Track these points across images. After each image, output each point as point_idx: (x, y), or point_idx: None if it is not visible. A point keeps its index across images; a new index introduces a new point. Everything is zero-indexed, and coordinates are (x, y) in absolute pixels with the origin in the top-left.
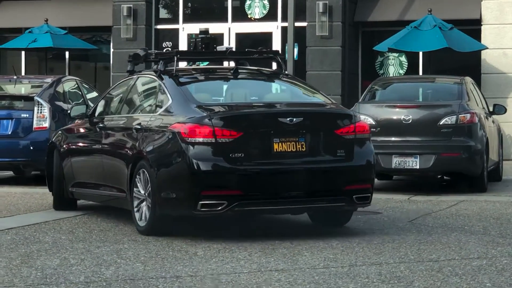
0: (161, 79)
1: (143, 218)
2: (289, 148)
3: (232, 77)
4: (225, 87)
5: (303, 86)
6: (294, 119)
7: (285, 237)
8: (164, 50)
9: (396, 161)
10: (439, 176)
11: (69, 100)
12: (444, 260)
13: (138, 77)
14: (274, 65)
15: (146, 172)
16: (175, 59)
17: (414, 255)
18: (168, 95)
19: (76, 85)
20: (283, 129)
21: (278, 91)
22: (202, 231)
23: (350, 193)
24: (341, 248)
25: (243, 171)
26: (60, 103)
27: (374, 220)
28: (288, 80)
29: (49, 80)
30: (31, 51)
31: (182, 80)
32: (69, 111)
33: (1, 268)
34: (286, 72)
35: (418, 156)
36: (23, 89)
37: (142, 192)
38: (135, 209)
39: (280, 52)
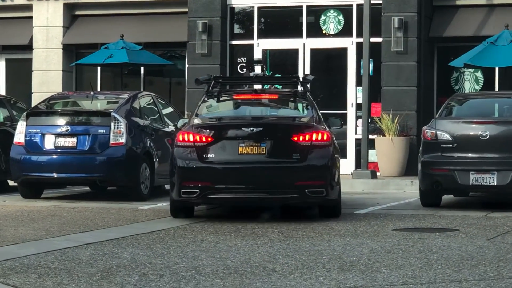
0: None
1: None
2: (252, 151)
3: (252, 96)
4: (236, 104)
5: (294, 102)
6: (255, 129)
7: (362, 254)
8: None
9: (473, 178)
10: None
11: (145, 116)
12: None
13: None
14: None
15: None
16: (212, 83)
17: (494, 273)
18: (195, 110)
19: (152, 101)
20: (248, 136)
21: (274, 108)
22: (279, 248)
23: (302, 188)
24: (419, 265)
25: (212, 167)
26: (137, 119)
27: (452, 237)
28: (295, 99)
29: (125, 95)
30: (107, 67)
31: (210, 99)
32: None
33: (81, 283)
34: (306, 92)
35: (496, 172)
36: (99, 104)
37: None
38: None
39: (303, 75)
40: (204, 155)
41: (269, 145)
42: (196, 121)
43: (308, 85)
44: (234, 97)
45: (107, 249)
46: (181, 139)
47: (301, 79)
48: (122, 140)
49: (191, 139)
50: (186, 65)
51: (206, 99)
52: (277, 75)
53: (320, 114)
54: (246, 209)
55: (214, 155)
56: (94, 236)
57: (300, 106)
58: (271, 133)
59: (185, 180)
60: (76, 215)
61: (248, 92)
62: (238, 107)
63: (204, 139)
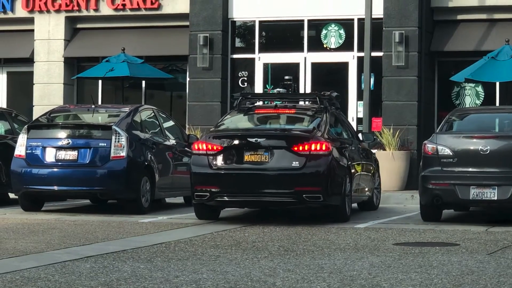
0: None
1: None
2: (256, 159)
3: (271, 111)
4: (256, 117)
5: (307, 116)
6: (259, 140)
7: (363, 269)
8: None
9: (473, 192)
10: None
11: (146, 129)
12: None
13: None
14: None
15: None
16: (240, 98)
17: (494, 287)
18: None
19: (153, 114)
20: (252, 146)
21: (287, 121)
22: (280, 262)
23: (300, 193)
24: (419, 279)
25: (220, 173)
26: (137, 132)
27: (452, 252)
28: (314, 113)
29: (126, 109)
30: (108, 80)
31: (235, 112)
32: None
33: None
34: (326, 107)
35: (496, 187)
36: (100, 118)
37: None
38: None
39: (328, 93)
40: (214, 162)
41: (272, 154)
42: (212, 132)
43: (334, 101)
44: (256, 111)
45: (108, 262)
46: (196, 148)
47: (325, 96)
48: (123, 153)
49: (204, 147)
50: (187, 79)
51: (235, 112)
52: (279, 90)
53: (329, 127)
54: (248, 221)
55: (222, 163)
56: (95, 249)
57: (312, 119)
58: (274, 144)
59: (197, 184)
60: (76, 228)
61: (269, 107)
62: (255, 120)
63: (215, 148)
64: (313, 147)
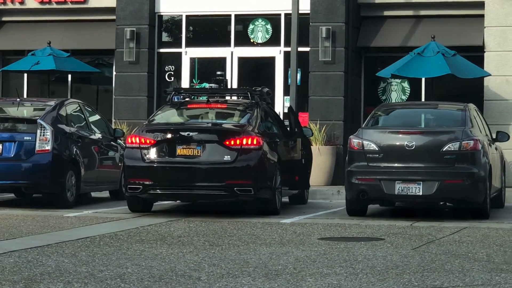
0: None
1: None
2: (188, 153)
3: (204, 105)
4: (188, 112)
5: (239, 111)
6: (191, 134)
7: (288, 263)
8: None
9: (399, 188)
10: (441, 203)
11: (72, 123)
12: (448, 287)
13: None
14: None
15: None
16: (172, 93)
17: (418, 282)
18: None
19: (79, 108)
20: (185, 139)
21: (219, 116)
22: (205, 256)
23: (231, 186)
24: (344, 274)
25: (153, 167)
26: (63, 126)
27: (377, 247)
28: (245, 108)
29: (52, 103)
30: (33, 74)
31: (168, 107)
32: None
33: None
34: (257, 102)
35: (421, 182)
36: (25, 111)
37: None
38: None
39: (259, 88)
40: (147, 156)
41: (204, 148)
42: (145, 126)
43: (265, 97)
44: (189, 106)
45: (32, 256)
46: (129, 141)
47: (256, 91)
48: (48, 147)
49: (137, 141)
50: (114, 73)
51: (167, 106)
52: (208, 84)
53: (260, 122)
54: (175, 215)
55: (155, 156)
56: (19, 244)
57: (243, 114)
58: (206, 138)
59: (130, 177)
60: (0, 222)
61: (202, 102)
62: (188, 114)
63: (148, 141)
64: (244, 141)
